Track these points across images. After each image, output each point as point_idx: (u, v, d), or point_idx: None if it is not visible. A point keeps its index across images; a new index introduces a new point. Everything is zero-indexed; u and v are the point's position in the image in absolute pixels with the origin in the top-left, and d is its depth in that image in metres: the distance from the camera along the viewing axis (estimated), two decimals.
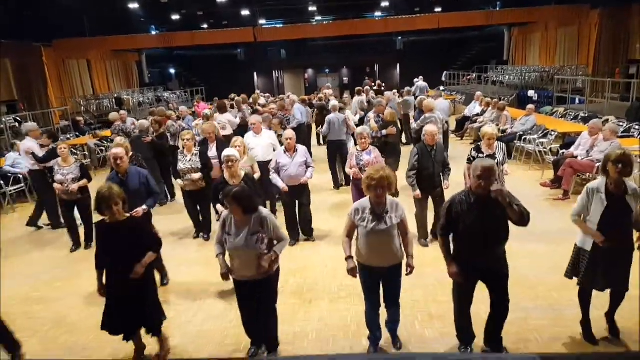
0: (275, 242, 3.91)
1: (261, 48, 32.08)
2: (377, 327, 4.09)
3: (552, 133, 10.40)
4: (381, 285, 3.97)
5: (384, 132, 8.25)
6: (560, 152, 9.23)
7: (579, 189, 8.22)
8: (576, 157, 8.23)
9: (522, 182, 9.11)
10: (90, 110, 20.92)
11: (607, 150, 7.75)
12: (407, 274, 3.91)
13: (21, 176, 9.63)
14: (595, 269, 3.88)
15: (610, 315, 4.17)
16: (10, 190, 9.47)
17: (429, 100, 9.94)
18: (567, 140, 10.08)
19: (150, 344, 4.29)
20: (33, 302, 5.45)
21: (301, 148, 6.58)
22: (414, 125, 9.72)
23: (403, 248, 3.91)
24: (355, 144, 6.77)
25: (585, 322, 4.16)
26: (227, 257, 3.97)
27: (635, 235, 3.88)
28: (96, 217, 4.05)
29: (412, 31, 28.46)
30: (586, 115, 12.24)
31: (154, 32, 28.74)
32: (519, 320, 4.42)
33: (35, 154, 7.76)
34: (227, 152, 5.37)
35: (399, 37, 33.36)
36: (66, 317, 5.09)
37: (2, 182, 9.36)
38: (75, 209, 6.99)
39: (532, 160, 10.26)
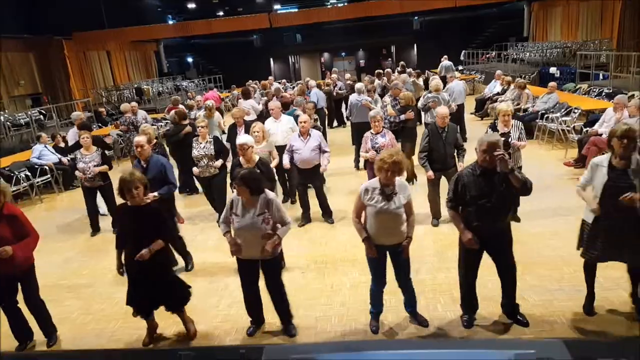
0: (278, 225, 4.06)
1: (277, 34, 31.89)
2: (380, 303, 4.26)
3: (575, 111, 10.15)
4: (392, 265, 4.10)
5: (403, 117, 8.13)
6: (584, 130, 9.03)
7: None
8: (600, 134, 8.03)
9: (545, 161, 8.97)
10: (111, 101, 21.23)
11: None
12: (400, 256, 4.01)
13: (47, 167, 9.88)
14: (595, 241, 3.91)
15: (633, 295, 4.12)
16: (38, 182, 9.70)
17: (437, 81, 9.91)
18: (591, 118, 9.82)
19: (164, 326, 4.43)
20: (62, 290, 5.62)
21: (315, 132, 6.66)
22: (419, 104, 9.66)
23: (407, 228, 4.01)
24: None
25: (589, 296, 4.22)
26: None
27: None
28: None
29: (429, 10, 27.92)
30: (610, 91, 11.89)
31: (170, 22, 28.88)
32: (543, 302, 4.42)
33: (67, 144, 8.22)
34: (240, 139, 5.48)
35: (415, 17, 32.75)
36: (94, 304, 5.24)
37: (29, 174, 9.59)
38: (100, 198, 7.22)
39: (555, 139, 10.05)
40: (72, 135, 9.14)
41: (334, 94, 13.83)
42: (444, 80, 14.10)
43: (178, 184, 5.84)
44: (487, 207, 3.74)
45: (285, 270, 5.58)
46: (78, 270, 6.18)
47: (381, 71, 14.62)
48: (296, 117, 8.15)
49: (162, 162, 5.59)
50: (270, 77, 17.74)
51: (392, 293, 4.44)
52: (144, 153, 5.50)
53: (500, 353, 0.93)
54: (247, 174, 3.92)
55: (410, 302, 4.28)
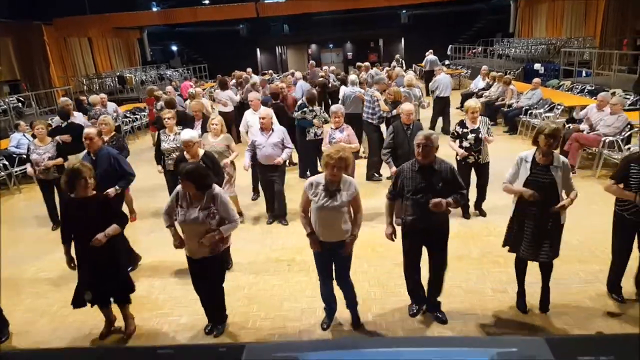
0: (226, 221, 3.98)
1: (264, 24, 31.62)
2: (332, 300, 4.22)
3: (559, 107, 10.29)
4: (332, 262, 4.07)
5: (395, 112, 8.00)
6: (567, 126, 9.14)
7: (585, 164, 8.19)
8: (582, 131, 8.15)
9: None
10: (93, 89, 20.85)
11: (614, 123, 7.71)
12: (341, 252, 3.94)
13: (25, 157, 9.60)
14: (520, 236, 4.04)
15: (543, 288, 4.25)
16: (16, 171, 9.48)
17: (409, 76, 9.95)
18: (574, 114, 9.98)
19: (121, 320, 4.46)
20: (41, 282, 5.52)
21: (278, 128, 6.50)
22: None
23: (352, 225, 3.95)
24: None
25: (519, 292, 4.36)
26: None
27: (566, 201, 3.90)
28: None
29: (417, 4, 27.96)
30: (593, 88, 12.08)
31: (155, 9, 28.33)
32: None
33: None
34: (184, 135, 5.36)
35: (404, 11, 32.79)
36: None
37: (7, 163, 9.36)
38: None
39: None
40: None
41: (329, 84, 13.41)
42: (432, 74, 14.14)
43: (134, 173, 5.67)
44: (421, 202, 3.82)
45: (272, 263, 5.59)
46: (58, 262, 6.01)
47: (361, 64, 14.74)
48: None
49: (112, 154, 5.39)
50: (248, 69, 17.06)
51: (380, 285, 4.46)
52: (92, 146, 5.32)
53: (481, 351, 0.92)
54: (192, 169, 3.80)
55: (349, 301, 4.22)
